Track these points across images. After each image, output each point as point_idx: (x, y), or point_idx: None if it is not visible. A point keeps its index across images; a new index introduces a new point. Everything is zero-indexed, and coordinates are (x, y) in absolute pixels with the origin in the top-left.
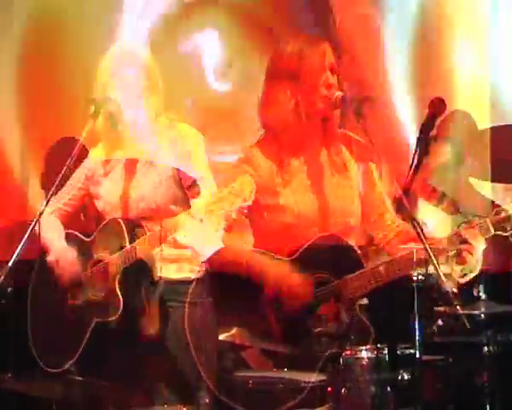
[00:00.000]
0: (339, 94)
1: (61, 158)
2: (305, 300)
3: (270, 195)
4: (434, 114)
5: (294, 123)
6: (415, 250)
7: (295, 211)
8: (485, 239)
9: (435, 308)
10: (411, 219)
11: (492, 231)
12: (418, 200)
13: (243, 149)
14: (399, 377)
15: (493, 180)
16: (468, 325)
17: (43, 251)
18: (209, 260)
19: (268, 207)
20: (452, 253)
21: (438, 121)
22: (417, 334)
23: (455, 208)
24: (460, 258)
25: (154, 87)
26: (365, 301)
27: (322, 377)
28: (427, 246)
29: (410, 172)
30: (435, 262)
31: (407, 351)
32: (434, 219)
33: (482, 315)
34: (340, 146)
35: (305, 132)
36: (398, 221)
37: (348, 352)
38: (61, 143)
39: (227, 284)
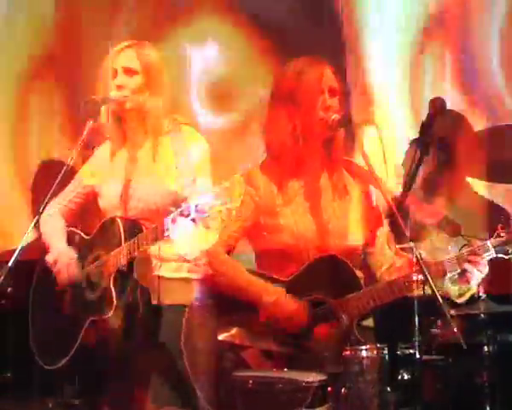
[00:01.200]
0: (335, 117)
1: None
2: (302, 324)
3: (270, 215)
4: (434, 114)
5: (292, 146)
6: (414, 271)
7: (295, 231)
8: (487, 262)
9: (432, 330)
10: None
11: (494, 253)
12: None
13: (245, 170)
14: (399, 377)
15: (492, 181)
16: (464, 346)
17: (44, 251)
18: (205, 285)
19: (268, 226)
20: (452, 275)
21: (437, 122)
22: (417, 334)
23: (456, 231)
24: (460, 280)
25: (155, 86)
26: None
27: (323, 378)
28: (425, 268)
29: (410, 174)
30: (432, 285)
31: (407, 351)
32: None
33: (482, 315)
34: (342, 170)
35: (304, 155)
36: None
37: (348, 352)
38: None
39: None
